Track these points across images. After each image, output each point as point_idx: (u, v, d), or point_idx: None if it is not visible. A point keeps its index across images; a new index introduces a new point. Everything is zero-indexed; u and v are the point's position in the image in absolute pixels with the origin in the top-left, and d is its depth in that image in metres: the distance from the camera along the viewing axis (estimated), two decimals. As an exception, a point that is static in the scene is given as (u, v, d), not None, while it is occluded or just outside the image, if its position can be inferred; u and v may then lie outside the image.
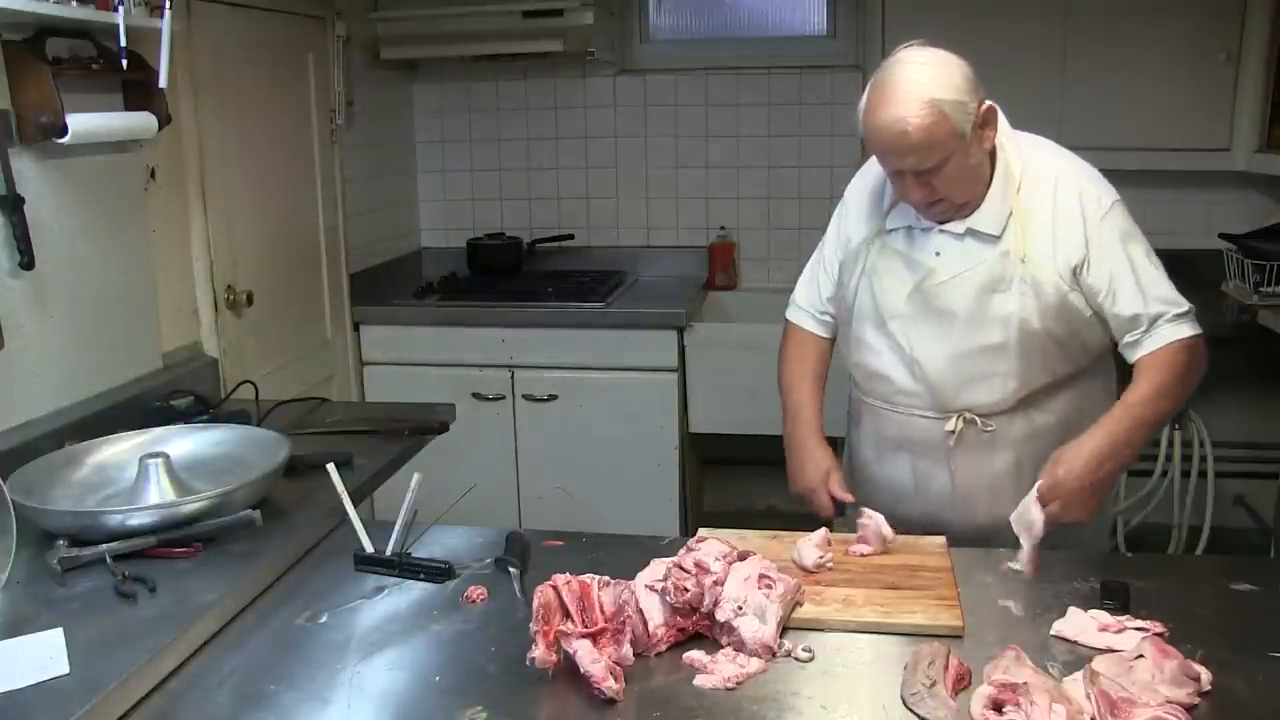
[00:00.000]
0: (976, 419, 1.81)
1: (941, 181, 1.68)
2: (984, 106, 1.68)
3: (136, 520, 1.58)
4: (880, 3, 3.43)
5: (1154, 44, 3.26)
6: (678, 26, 3.92)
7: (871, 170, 1.92)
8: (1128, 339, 1.78)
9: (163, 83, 2.13)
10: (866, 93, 1.69)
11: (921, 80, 1.62)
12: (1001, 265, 1.75)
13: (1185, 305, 1.77)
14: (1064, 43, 3.30)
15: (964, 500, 1.86)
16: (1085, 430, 1.71)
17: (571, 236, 3.96)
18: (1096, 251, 1.74)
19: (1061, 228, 1.74)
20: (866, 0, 3.53)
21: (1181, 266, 3.46)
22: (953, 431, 1.82)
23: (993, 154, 1.76)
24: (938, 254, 1.79)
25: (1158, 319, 1.75)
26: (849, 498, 1.89)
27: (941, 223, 1.78)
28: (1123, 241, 1.75)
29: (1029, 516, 1.61)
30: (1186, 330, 1.75)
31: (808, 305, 2.03)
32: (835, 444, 2.04)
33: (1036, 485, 1.65)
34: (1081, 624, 1.37)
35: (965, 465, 1.84)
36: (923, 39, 1.70)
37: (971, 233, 1.77)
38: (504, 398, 3.41)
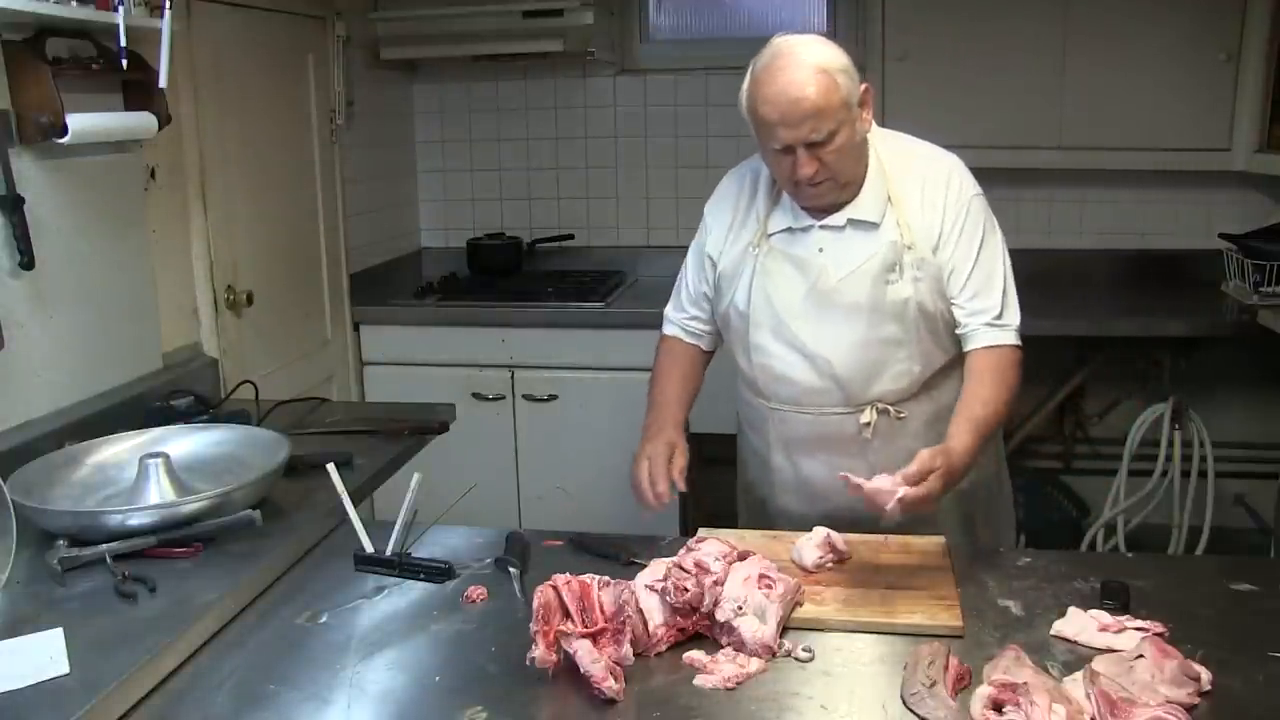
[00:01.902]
0: (889, 408, 1.84)
1: (830, 155, 1.71)
2: (863, 87, 1.74)
3: (136, 520, 1.58)
4: (880, 3, 3.42)
5: (1154, 44, 3.25)
6: (678, 26, 3.91)
7: (731, 186, 1.99)
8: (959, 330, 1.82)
9: (163, 83, 2.13)
10: (750, 77, 1.76)
11: (812, 54, 1.71)
12: (892, 253, 1.79)
13: (1004, 313, 1.78)
14: (1064, 43, 3.28)
15: None
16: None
17: (571, 236, 3.96)
18: (950, 231, 1.79)
19: (928, 209, 1.79)
20: (866, 0, 3.53)
21: (1181, 266, 3.54)
22: (868, 424, 1.84)
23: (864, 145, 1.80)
24: (820, 250, 1.82)
25: (981, 319, 1.78)
26: (681, 487, 1.81)
27: (821, 213, 1.81)
28: (976, 230, 1.79)
29: (884, 498, 1.52)
30: (1006, 338, 1.78)
31: (675, 318, 2.06)
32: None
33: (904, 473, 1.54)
34: (1081, 624, 1.37)
35: (881, 455, 1.85)
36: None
37: (852, 223, 1.81)
38: (504, 398, 3.41)
